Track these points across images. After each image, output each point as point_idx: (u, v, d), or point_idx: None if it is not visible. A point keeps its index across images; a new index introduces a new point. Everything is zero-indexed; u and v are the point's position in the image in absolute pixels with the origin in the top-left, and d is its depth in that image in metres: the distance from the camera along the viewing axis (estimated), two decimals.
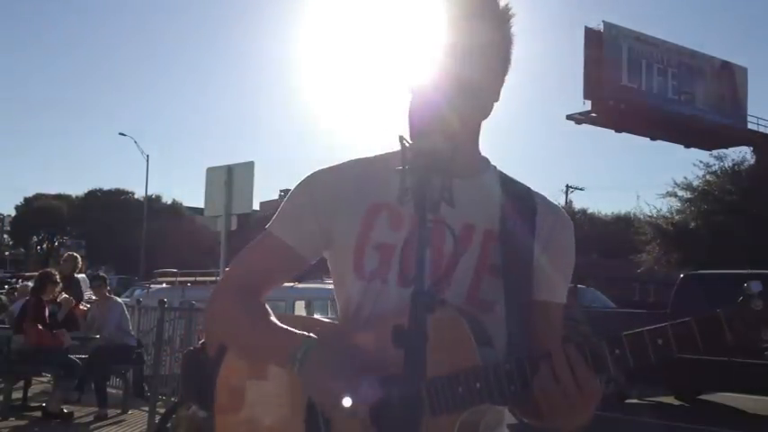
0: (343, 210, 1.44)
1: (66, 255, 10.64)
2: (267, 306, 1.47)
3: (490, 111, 1.45)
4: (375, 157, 1.51)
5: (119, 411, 8.08)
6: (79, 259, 9.88)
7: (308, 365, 1.31)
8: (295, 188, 1.51)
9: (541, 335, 1.40)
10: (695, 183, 24.84)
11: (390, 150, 1.49)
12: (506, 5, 1.41)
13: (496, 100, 1.45)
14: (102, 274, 9.61)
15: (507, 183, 1.51)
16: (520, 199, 1.48)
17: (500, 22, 1.41)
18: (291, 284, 9.09)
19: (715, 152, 26.96)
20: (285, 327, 1.39)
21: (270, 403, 1.43)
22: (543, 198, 1.52)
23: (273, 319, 1.43)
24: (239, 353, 1.48)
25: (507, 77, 1.45)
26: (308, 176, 1.50)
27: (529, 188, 1.53)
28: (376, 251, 1.41)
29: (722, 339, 1.05)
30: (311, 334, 1.35)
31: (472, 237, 1.41)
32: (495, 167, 1.53)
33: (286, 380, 1.37)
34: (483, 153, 1.52)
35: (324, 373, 1.28)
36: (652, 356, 1.11)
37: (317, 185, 1.48)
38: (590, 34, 30.90)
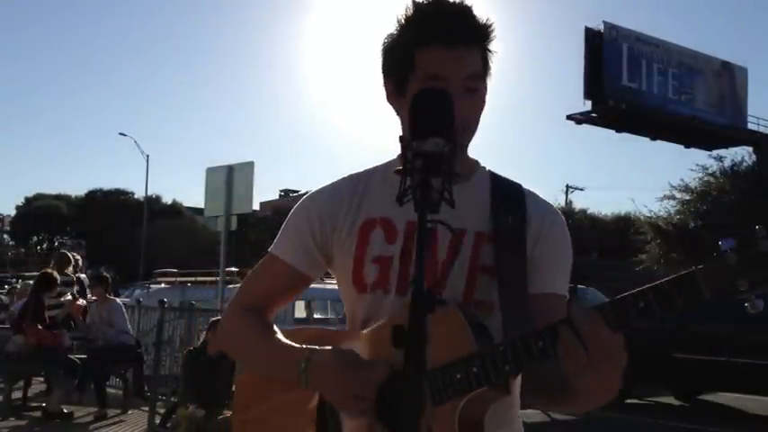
0: (339, 229, 1.51)
1: (55, 253, 10.51)
2: (273, 324, 1.55)
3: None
4: (368, 170, 1.56)
5: (119, 411, 8.09)
6: (71, 257, 9.73)
7: (313, 369, 1.38)
8: (293, 211, 1.58)
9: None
10: (692, 184, 24.82)
11: (384, 162, 1.56)
12: (488, 24, 1.42)
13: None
14: (105, 274, 9.54)
15: (497, 182, 1.54)
16: (510, 198, 1.51)
17: (484, 40, 1.42)
18: None
19: (714, 153, 26.93)
20: (288, 342, 1.47)
21: (282, 417, 1.50)
22: (534, 195, 1.55)
23: (279, 336, 1.51)
24: (252, 370, 1.60)
25: (497, 80, 1.48)
26: (305, 198, 1.58)
27: (520, 185, 1.56)
28: (374, 264, 1.46)
29: (699, 294, 1.11)
30: (311, 346, 1.41)
31: (464, 239, 1.44)
32: (484, 168, 1.56)
33: (297, 392, 1.44)
34: (483, 153, 1.55)
35: (330, 369, 1.36)
36: (635, 319, 1.15)
37: (313, 207, 1.55)
38: (590, 34, 30.75)
